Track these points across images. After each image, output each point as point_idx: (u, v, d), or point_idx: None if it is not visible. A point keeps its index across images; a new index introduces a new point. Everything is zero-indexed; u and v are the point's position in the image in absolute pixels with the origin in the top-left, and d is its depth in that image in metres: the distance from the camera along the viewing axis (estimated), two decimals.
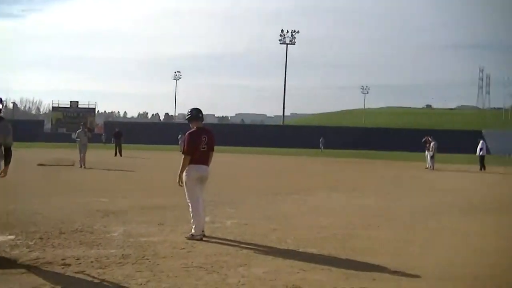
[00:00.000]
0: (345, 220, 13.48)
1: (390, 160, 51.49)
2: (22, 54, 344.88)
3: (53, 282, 7.27)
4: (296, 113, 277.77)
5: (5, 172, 9.48)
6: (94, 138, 72.93)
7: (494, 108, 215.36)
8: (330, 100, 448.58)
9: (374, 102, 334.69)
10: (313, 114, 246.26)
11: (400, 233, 12.02)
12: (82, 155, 30.43)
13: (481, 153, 38.74)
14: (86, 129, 33.41)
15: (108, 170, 29.13)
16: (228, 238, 10.74)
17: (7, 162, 9.48)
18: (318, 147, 78.46)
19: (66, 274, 7.70)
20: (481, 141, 39.80)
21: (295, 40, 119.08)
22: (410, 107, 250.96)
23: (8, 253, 8.93)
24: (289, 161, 46.86)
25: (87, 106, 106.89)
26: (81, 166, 29.72)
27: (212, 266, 8.30)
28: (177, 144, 55.66)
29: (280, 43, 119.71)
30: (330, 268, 8.36)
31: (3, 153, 9.39)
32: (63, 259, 8.50)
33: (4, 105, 10.02)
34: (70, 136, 33.48)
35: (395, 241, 10.96)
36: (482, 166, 38.06)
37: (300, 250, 9.85)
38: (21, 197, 15.02)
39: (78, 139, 31.46)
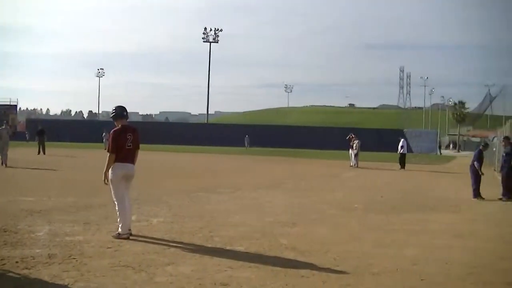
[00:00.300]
0: (272, 218, 13.59)
1: (315, 158, 51.86)
2: None
3: None
4: (220, 111, 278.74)
5: None
6: (17, 136, 71.54)
7: (415, 107, 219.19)
8: (255, 99, 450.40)
9: (298, 100, 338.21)
10: (237, 113, 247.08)
11: (326, 230, 12.19)
12: (3, 153, 29.42)
13: (402, 151, 39.26)
14: (8, 127, 32.47)
15: (32, 168, 28.53)
16: (155, 236, 10.73)
17: None
18: (243, 145, 78.61)
19: None
20: (401, 140, 40.28)
21: (219, 39, 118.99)
22: (333, 106, 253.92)
23: None
24: (214, 159, 46.80)
25: (8, 103, 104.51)
26: (2, 164, 28.87)
27: (139, 265, 8.28)
28: (101, 142, 55.12)
29: (204, 41, 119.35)
30: (257, 266, 8.44)
31: None
32: None
33: None
34: None
35: (322, 238, 11.11)
36: (402, 164, 38.59)
37: (228, 248, 9.90)
38: None
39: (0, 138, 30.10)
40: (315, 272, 8.18)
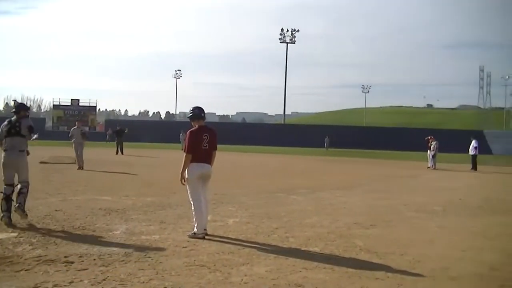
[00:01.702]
0: (348, 219, 13.44)
1: (392, 159, 51.48)
2: (22, 52, 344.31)
3: (55, 280, 7.28)
4: (297, 112, 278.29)
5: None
6: (96, 137, 72.78)
7: (496, 107, 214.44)
8: (331, 99, 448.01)
9: (375, 101, 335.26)
10: (314, 113, 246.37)
11: (403, 232, 12.00)
12: (78, 154, 28.51)
13: (474, 152, 38.52)
14: (83, 127, 31.59)
15: (110, 168, 29.06)
16: (230, 236, 10.76)
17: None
18: (320, 146, 78.49)
19: (68, 272, 7.70)
20: (473, 141, 39.38)
21: (295, 39, 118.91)
22: (411, 106, 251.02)
23: (11, 250, 8.96)
24: (291, 160, 46.74)
25: (88, 104, 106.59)
26: (79, 168, 27.75)
27: (214, 265, 8.31)
28: (179, 142, 55.65)
29: (280, 42, 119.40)
30: (332, 267, 8.36)
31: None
32: (66, 257, 8.53)
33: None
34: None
35: (399, 240, 10.93)
36: (474, 166, 37.92)
37: (303, 249, 9.85)
38: None
39: (73, 139, 29.22)
40: (390, 274, 8.06)
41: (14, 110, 12.40)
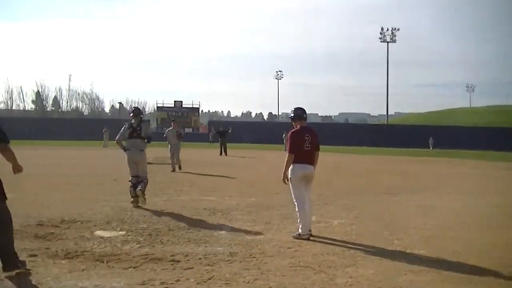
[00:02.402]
0: (455, 221, 13.18)
1: (499, 160, 50.15)
2: (126, 55, 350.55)
3: (162, 278, 7.42)
4: (399, 112, 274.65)
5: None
6: (199, 138, 73.61)
7: None
8: (434, 99, 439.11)
9: (480, 100, 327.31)
10: (417, 113, 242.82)
11: (509, 236, 11.72)
12: (174, 156, 27.52)
13: None
14: (178, 128, 29.83)
15: (213, 169, 29.31)
16: (335, 238, 10.70)
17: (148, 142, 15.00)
18: (425, 147, 77.40)
19: (175, 270, 7.84)
20: None
21: (396, 38, 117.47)
22: None
23: (119, 248, 9.20)
24: (395, 161, 46.10)
25: (191, 106, 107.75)
26: (173, 170, 27.02)
27: (319, 266, 8.29)
28: (281, 143, 55.79)
29: (381, 41, 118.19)
30: (439, 271, 8.20)
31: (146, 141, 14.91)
32: (172, 256, 8.70)
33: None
34: None
35: (508, 245, 10.68)
36: None
37: (408, 251, 9.71)
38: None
39: (168, 140, 28.28)
40: (501, 281, 7.83)
41: (132, 113, 15.13)
